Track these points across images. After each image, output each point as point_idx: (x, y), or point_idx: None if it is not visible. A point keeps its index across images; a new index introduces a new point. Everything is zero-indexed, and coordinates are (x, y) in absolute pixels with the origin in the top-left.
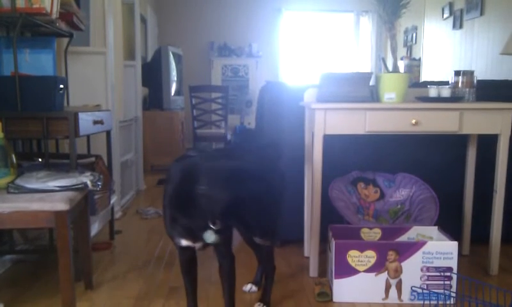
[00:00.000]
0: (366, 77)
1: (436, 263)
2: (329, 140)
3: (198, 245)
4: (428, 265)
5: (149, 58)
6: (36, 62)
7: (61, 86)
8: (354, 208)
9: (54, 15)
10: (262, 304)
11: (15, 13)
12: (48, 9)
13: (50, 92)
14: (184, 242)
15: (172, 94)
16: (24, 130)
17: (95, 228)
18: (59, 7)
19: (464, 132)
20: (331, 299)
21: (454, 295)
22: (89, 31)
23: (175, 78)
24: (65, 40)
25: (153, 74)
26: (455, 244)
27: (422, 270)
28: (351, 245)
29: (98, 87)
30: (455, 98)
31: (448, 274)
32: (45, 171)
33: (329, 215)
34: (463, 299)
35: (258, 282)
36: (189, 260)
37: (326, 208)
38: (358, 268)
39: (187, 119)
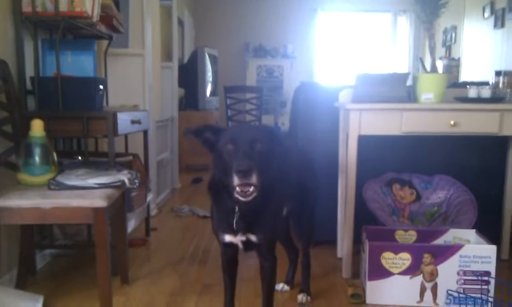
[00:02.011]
0: (403, 77)
1: (474, 267)
2: (363, 140)
3: (239, 239)
4: (465, 268)
5: (185, 59)
6: (77, 63)
7: (101, 87)
8: (389, 210)
9: (95, 18)
10: (305, 294)
11: (58, 16)
12: (90, 13)
13: (90, 92)
14: (227, 238)
15: (207, 94)
16: (65, 129)
17: (131, 225)
18: (99, 10)
19: (505, 133)
20: (364, 301)
21: (491, 300)
22: (128, 33)
23: (211, 79)
24: (105, 42)
25: (189, 75)
26: (493, 247)
27: (458, 273)
28: (385, 247)
29: (136, 87)
30: (495, 98)
31: (485, 278)
32: (84, 169)
33: (363, 216)
34: (501, 304)
35: (289, 281)
36: (230, 260)
37: (359, 209)
38: (392, 270)
39: (221, 119)
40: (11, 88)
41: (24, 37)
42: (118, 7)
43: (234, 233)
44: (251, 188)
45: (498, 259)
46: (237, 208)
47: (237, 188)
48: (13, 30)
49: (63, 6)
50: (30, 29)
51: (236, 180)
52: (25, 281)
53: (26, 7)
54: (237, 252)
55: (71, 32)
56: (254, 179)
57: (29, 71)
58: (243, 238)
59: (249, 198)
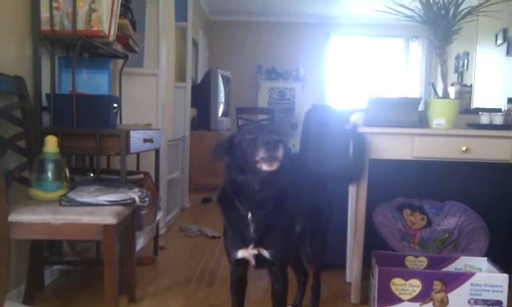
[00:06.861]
0: (415, 102)
1: (485, 295)
2: (374, 164)
3: (251, 253)
4: (476, 297)
5: (199, 80)
6: (92, 81)
7: (115, 105)
8: (399, 235)
9: (111, 38)
10: None
11: (75, 35)
12: (106, 32)
13: (104, 110)
14: (240, 253)
15: (219, 115)
16: (79, 146)
17: (140, 243)
18: (116, 30)
19: None
20: None
21: None
22: (143, 53)
23: (223, 100)
24: (120, 61)
25: (202, 95)
26: (505, 276)
27: (469, 302)
28: (395, 272)
29: (150, 107)
30: (508, 125)
31: None
32: (96, 186)
33: (373, 241)
34: None
35: (297, 305)
36: (239, 280)
37: (369, 233)
38: (401, 297)
39: None
40: (26, 104)
41: (42, 55)
42: (135, 27)
43: (246, 245)
44: (276, 160)
45: (510, 288)
46: (249, 215)
47: (262, 160)
48: (31, 47)
49: (81, 25)
50: (48, 47)
51: (262, 153)
52: (32, 297)
53: (45, 26)
54: (246, 271)
55: (87, 50)
56: (280, 153)
57: (45, 88)
58: (255, 251)
59: (274, 167)
